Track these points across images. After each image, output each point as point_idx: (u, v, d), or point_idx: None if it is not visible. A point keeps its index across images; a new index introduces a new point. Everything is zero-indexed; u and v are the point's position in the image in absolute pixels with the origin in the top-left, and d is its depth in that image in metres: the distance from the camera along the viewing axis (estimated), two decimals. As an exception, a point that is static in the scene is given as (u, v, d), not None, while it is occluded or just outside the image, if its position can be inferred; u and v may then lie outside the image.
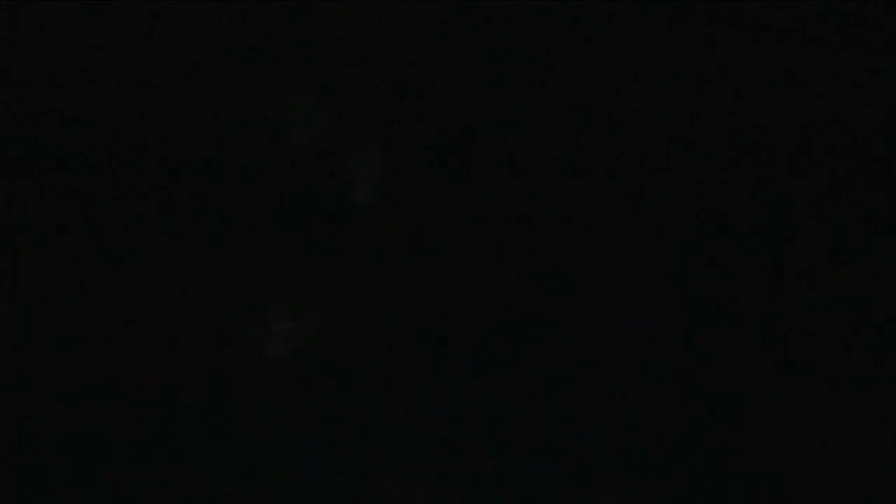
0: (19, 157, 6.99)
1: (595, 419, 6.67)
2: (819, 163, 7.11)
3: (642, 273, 7.01)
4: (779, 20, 7.15)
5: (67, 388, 6.75)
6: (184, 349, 6.84)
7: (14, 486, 6.41)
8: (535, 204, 7.11)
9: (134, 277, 6.94)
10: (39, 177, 7.00)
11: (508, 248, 7.06)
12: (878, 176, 7.08)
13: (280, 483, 6.49)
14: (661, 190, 7.09)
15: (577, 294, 6.98)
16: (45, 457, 6.52)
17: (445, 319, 6.94)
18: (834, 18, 7.12)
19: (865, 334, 6.85)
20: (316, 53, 7.17)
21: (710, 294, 6.96)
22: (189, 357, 6.83)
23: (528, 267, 7.04)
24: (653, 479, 6.49)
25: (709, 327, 6.89)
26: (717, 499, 6.44)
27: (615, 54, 7.17)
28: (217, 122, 7.11)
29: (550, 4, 7.16)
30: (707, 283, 6.98)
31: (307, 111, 7.17)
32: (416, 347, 6.90)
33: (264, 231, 7.06)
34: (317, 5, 7.15)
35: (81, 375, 6.77)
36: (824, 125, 7.12)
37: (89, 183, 7.02)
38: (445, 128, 7.14)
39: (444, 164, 7.12)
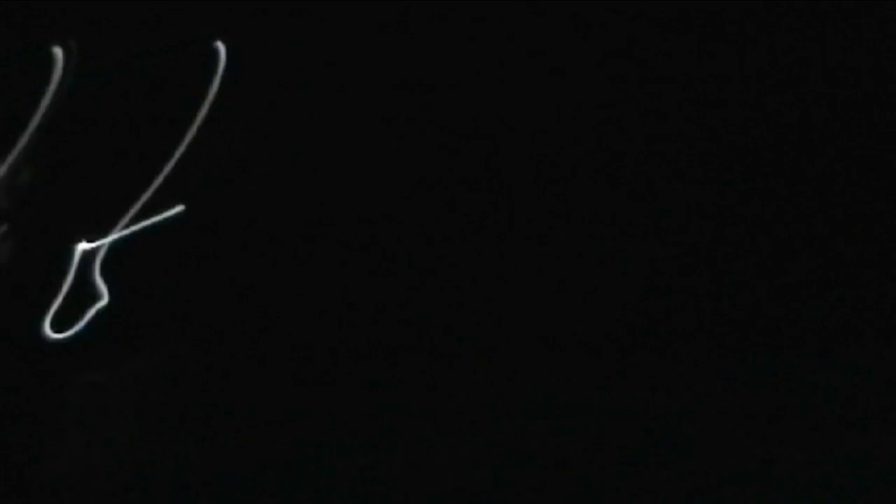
0: None
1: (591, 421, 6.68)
2: (818, 163, 7.12)
3: (643, 273, 7.01)
4: (779, 20, 7.16)
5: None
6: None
7: None
8: (534, 204, 7.12)
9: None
10: None
11: (508, 249, 7.08)
12: (878, 176, 7.09)
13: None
14: (661, 190, 7.10)
15: (577, 294, 6.99)
16: None
17: (445, 320, 6.95)
18: (835, 18, 7.14)
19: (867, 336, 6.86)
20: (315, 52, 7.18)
21: (710, 295, 6.97)
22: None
23: (527, 266, 7.05)
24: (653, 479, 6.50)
25: (709, 327, 6.90)
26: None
27: (615, 54, 7.18)
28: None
29: (550, 4, 7.17)
30: (706, 284, 6.99)
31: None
32: (416, 348, 6.92)
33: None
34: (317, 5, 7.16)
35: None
36: (824, 125, 7.13)
37: None
38: (445, 128, 7.15)
39: (444, 165, 7.14)
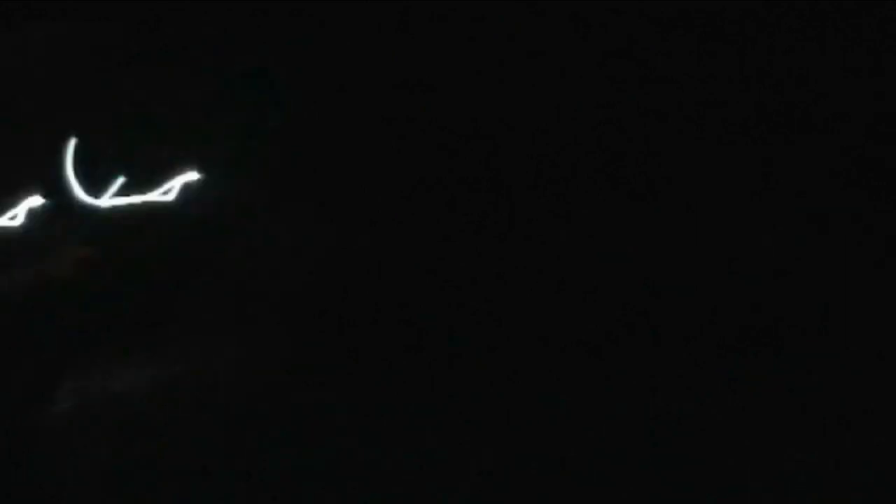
0: None
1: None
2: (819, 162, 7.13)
3: (643, 275, 7.02)
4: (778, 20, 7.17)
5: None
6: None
7: None
8: (534, 205, 7.12)
9: None
10: None
11: (508, 249, 7.08)
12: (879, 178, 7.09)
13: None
14: (661, 190, 7.11)
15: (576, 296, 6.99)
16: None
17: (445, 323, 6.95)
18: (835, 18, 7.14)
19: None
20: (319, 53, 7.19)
21: (710, 294, 6.98)
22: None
23: (527, 267, 7.05)
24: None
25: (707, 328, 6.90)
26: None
27: (615, 54, 7.19)
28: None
29: (550, 4, 7.17)
30: (706, 283, 6.99)
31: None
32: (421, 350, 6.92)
33: None
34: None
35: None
36: (824, 125, 7.14)
37: None
38: (445, 128, 7.16)
39: (444, 165, 7.15)
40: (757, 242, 7.04)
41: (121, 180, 6.91)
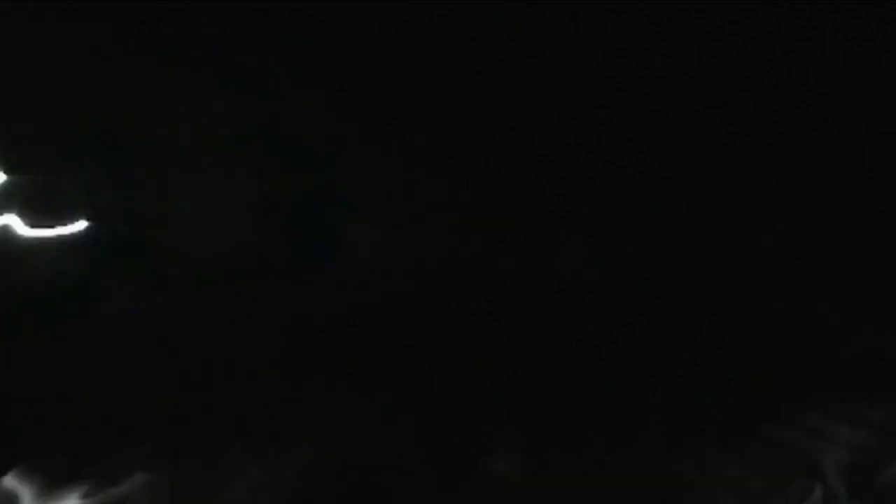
0: None
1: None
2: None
3: (643, 275, 7.01)
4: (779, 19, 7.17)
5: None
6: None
7: None
8: (534, 204, 7.12)
9: None
10: None
11: (507, 249, 7.07)
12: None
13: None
14: (661, 190, 7.10)
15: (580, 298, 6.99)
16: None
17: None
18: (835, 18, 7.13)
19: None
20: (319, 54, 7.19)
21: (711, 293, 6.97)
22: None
23: (527, 266, 7.04)
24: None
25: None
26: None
27: (615, 54, 7.18)
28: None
29: (550, 4, 7.17)
30: (706, 282, 6.99)
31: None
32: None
33: None
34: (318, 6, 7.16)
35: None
36: (824, 125, 7.13)
37: None
38: (444, 129, 7.15)
39: (444, 165, 7.14)
40: (757, 242, 7.04)
41: None
